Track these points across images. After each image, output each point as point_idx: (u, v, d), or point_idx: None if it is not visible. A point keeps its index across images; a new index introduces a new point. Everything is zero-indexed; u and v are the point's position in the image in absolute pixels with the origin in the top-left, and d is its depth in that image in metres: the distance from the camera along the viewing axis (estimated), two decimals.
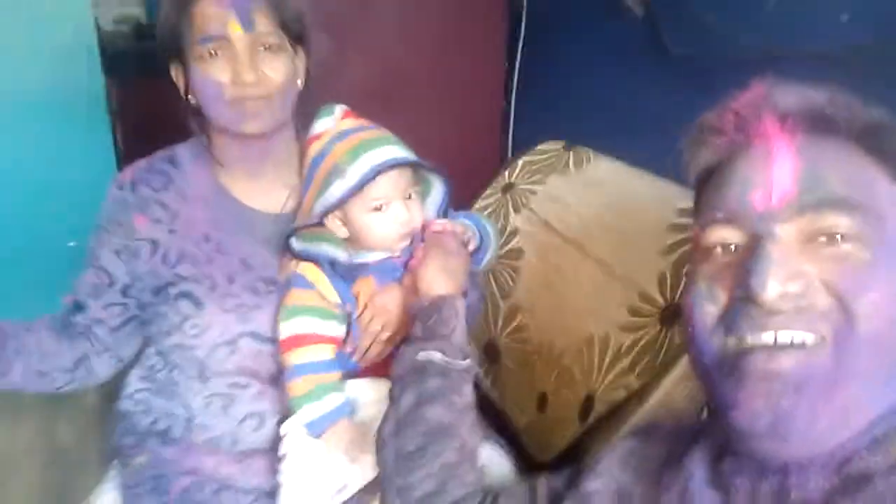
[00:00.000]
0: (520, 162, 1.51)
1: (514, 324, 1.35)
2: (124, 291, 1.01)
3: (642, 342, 1.04)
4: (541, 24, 1.58)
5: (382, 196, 0.91)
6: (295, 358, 0.92)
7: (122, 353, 1.07)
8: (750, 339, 0.52)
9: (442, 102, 1.59)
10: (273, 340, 0.98)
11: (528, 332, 1.32)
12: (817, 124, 0.54)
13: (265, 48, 0.92)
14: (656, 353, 1.00)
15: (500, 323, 1.38)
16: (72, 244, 2.16)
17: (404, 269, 0.96)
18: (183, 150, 1.05)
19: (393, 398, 0.80)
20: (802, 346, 0.50)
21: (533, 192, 1.42)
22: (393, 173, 0.91)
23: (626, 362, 1.05)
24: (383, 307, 0.95)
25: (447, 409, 0.76)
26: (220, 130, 0.98)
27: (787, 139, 0.54)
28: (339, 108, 0.95)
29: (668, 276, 1.05)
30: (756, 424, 0.51)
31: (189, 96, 0.96)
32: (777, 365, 0.51)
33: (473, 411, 0.81)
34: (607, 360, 1.09)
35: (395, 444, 0.76)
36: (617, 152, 1.38)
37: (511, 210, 1.43)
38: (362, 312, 0.96)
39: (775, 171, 0.53)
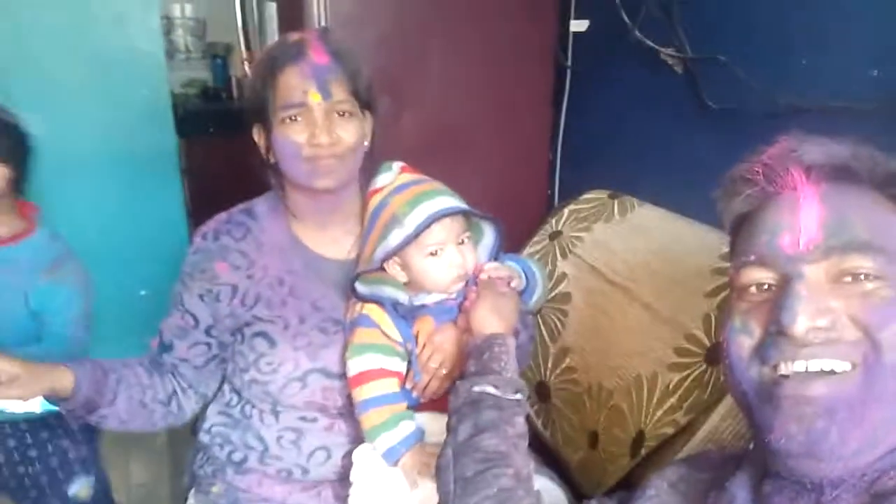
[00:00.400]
0: (566, 210, 1.59)
1: (564, 365, 1.40)
2: (207, 332, 1.11)
3: (689, 380, 1.08)
4: (584, 79, 1.67)
5: (436, 242, 0.99)
6: (367, 392, 1.00)
7: (204, 389, 1.16)
8: (783, 369, 0.57)
9: (491, 155, 1.68)
10: (340, 376, 1.06)
11: (578, 374, 1.37)
12: (841, 175, 0.60)
13: (339, 114, 1.02)
14: (703, 390, 1.04)
15: (549, 364, 1.43)
16: (143, 293, 2.31)
17: (459, 310, 1.04)
18: (260, 204, 1.16)
19: (450, 428, 0.86)
20: (832, 373, 0.56)
21: (580, 239, 1.49)
22: (446, 221, 1.00)
23: (673, 400, 1.09)
24: (441, 345, 1.02)
25: (501, 439, 0.81)
26: (295, 186, 1.08)
27: (812, 188, 0.59)
28: (397, 165, 1.05)
29: (713, 317, 1.10)
30: (791, 445, 0.56)
31: (269, 155, 1.07)
32: (809, 391, 0.56)
33: (526, 441, 0.86)
34: (656, 398, 1.14)
35: (455, 471, 0.82)
36: (659, 201, 1.44)
37: (559, 256, 1.50)
38: (422, 350, 1.03)
39: (802, 217, 0.59)
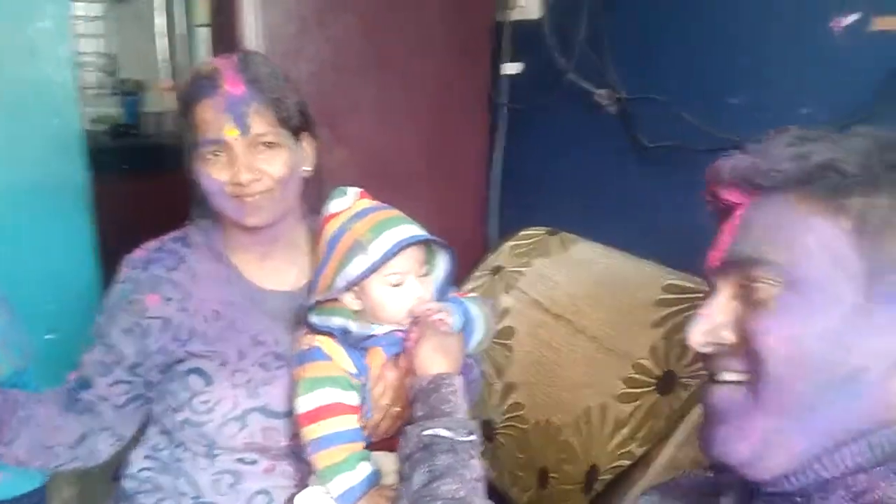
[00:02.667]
0: (506, 246, 1.59)
1: (509, 402, 1.38)
2: (132, 369, 1.02)
3: (641, 411, 1.08)
4: (521, 119, 1.70)
5: (401, 271, 0.95)
6: (324, 429, 0.92)
7: (122, 431, 1.05)
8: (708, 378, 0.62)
9: (428, 192, 1.67)
10: (283, 415, 1.00)
11: (524, 410, 1.35)
12: (749, 184, 0.60)
13: (265, 145, 0.96)
14: (657, 420, 1.04)
15: (494, 402, 1.41)
16: (49, 337, 2.12)
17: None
18: (195, 232, 1.09)
19: (403, 477, 0.81)
20: (730, 383, 0.58)
21: (521, 274, 1.49)
22: (410, 250, 0.96)
23: (626, 431, 1.09)
24: (393, 381, 0.97)
25: (460, 484, 0.77)
26: (230, 223, 1.02)
27: (739, 204, 0.61)
28: (354, 190, 1.00)
29: (661, 347, 1.11)
30: (706, 453, 0.60)
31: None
32: (709, 399, 0.60)
33: (483, 484, 0.82)
34: (607, 430, 1.13)
35: None
36: (596, 237, 1.47)
37: (501, 291, 1.49)
38: (374, 385, 0.98)
39: (721, 234, 0.62)
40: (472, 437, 0.82)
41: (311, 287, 1.01)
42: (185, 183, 1.03)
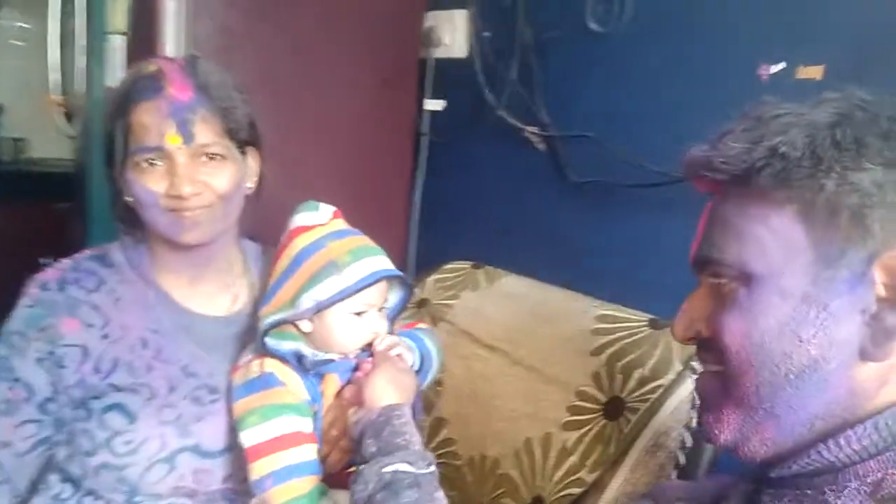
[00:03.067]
0: (429, 280, 1.57)
1: (440, 438, 1.34)
2: (42, 406, 0.88)
3: (589, 437, 1.08)
4: (444, 154, 1.71)
5: (369, 302, 0.90)
6: (284, 460, 0.84)
7: (21, 482, 0.90)
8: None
9: (351, 220, 1.63)
10: (217, 454, 0.91)
11: (456, 446, 1.31)
12: (707, 177, 0.60)
13: (209, 157, 0.89)
14: (606, 445, 1.05)
15: (423, 439, 1.35)
16: None
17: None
18: (115, 251, 0.98)
19: None
20: (709, 373, 0.61)
21: (449, 306, 1.47)
22: (382, 283, 0.92)
23: (574, 459, 1.08)
24: (346, 410, 0.91)
25: None
26: (161, 239, 0.93)
27: (713, 198, 0.62)
28: (327, 207, 0.94)
29: (603, 374, 1.13)
30: (704, 436, 0.63)
31: (127, 197, 0.91)
32: (697, 387, 0.64)
33: None
34: (552, 460, 1.12)
35: None
36: (522, 271, 1.49)
37: (429, 323, 1.46)
38: (325, 414, 0.91)
39: (698, 229, 0.63)
40: (433, 469, 0.78)
41: (261, 304, 0.93)
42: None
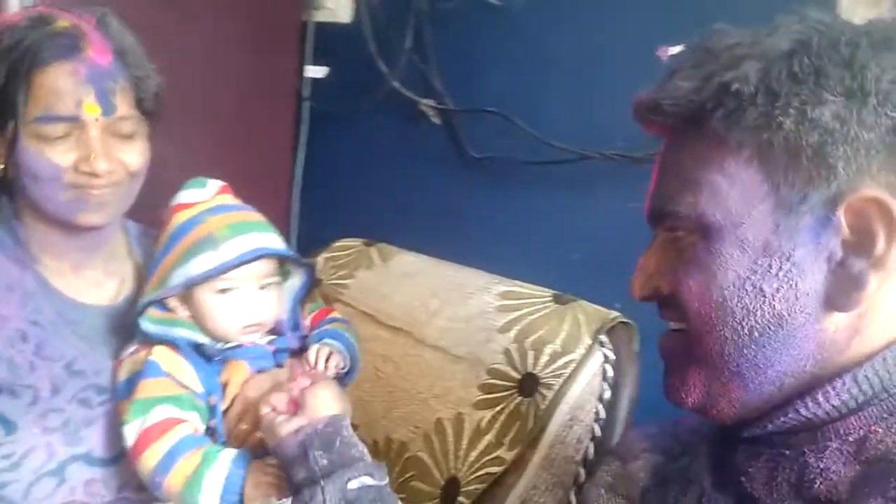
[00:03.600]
0: (320, 259, 1.48)
1: None
2: None
3: (504, 415, 1.08)
4: (330, 126, 1.62)
5: (235, 278, 0.83)
6: (164, 445, 0.77)
7: None
8: None
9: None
10: (109, 462, 0.82)
11: (359, 431, 1.24)
12: (656, 121, 0.57)
13: (121, 132, 0.81)
14: (524, 421, 1.05)
15: None
16: None
17: (275, 361, 0.88)
18: None
19: None
20: (672, 332, 0.58)
21: (344, 286, 1.40)
22: (261, 261, 0.85)
23: (490, 437, 1.07)
24: (255, 402, 0.84)
25: None
26: (45, 217, 0.81)
27: (664, 145, 0.59)
28: (215, 182, 0.88)
29: (513, 350, 1.13)
30: (667, 399, 0.59)
31: (5, 169, 0.78)
32: (660, 346, 0.60)
33: None
34: (465, 440, 1.11)
35: None
36: (417, 248, 1.46)
37: (323, 305, 1.39)
38: (230, 406, 0.84)
39: (652, 182, 0.59)
40: (387, 479, 0.75)
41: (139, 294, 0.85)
42: None
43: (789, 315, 0.51)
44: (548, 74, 1.28)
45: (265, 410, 0.78)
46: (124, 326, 0.88)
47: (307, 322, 0.98)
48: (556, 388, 1.04)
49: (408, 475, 1.17)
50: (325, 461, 0.71)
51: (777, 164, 0.50)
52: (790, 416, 0.52)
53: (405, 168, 1.51)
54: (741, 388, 0.54)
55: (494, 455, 1.06)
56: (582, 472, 0.99)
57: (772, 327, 0.51)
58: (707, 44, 0.54)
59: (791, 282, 0.50)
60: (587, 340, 1.08)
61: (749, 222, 0.51)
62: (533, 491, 1.00)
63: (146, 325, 0.82)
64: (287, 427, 0.74)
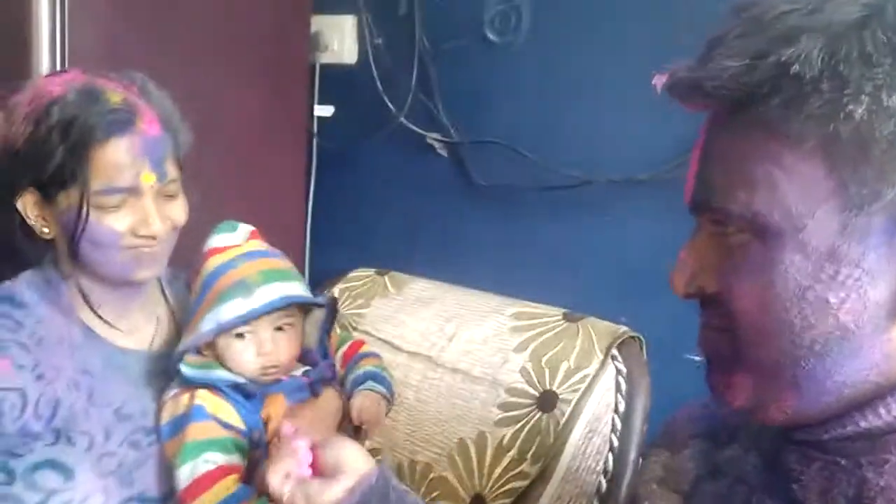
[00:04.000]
0: (336, 289, 1.54)
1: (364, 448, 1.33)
2: None
3: (525, 431, 1.13)
4: (339, 160, 1.68)
5: (252, 323, 0.87)
6: (209, 499, 0.80)
7: None
8: None
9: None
10: (159, 501, 0.85)
11: (382, 454, 1.31)
12: (697, 99, 0.49)
13: (170, 193, 0.87)
14: (545, 436, 1.10)
15: None
16: None
17: (311, 392, 0.92)
18: (23, 289, 0.88)
19: None
20: (714, 328, 0.52)
21: (361, 316, 1.45)
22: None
23: (514, 453, 1.12)
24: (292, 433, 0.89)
25: None
26: (92, 275, 0.86)
27: (704, 127, 0.51)
28: (245, 227, 0.92)
29: (531, 369, 1.18)
30: (713, 395, 0.54)
31: (45, 230, 0.84)
32: (701, 342, 0.53)
33: None
34: (489, 458, 1.15)
35: None
36: (428, 275, 1.51)
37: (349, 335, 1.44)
38: (271, 439, 0.89)
39: (692, 159, 0.52)
40: None
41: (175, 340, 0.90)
42: None
43: (856, 327, 0.45)
44: (549, 105, 1.35)
45: (276, 483, 0.68)
46: (164, 369, 0.91)
47: (339, 354, 1.03)
48: (574, 402, 1.10)
49: (434, 495, 1.22)
50: None
51: (845, 157, 0.43)
52: (848, 428, 0.48)
53: (414, 198, 1.57)
54: (795, 397, 0.48)
55: (518, 470, 1.11)
56: (603, 482, 1.04)
57: (835, 339, 0.46)
58: (753, 9, 0.45)
59: (860, 290, 0.44)
60: (600, 355, 1.14)
61: (812, 224, 0.44)
62: (558, 502, 1.05)
63: (186, 370, 0.85)
64: (331, 495, 0.66)
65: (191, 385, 0.87)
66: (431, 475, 1.23)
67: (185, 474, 0.81)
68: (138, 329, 0.93)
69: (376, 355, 1.06)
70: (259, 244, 0.92)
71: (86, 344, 0.87)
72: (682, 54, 1.21)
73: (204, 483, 0.81)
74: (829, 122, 0.43)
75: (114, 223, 0.81)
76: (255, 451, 0.87)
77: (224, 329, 0.85)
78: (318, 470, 0.69)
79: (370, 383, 0.97)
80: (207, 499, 0.80)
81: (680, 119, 1.17)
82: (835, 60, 0.42)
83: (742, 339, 0.49)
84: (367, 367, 1.01)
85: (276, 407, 0.89)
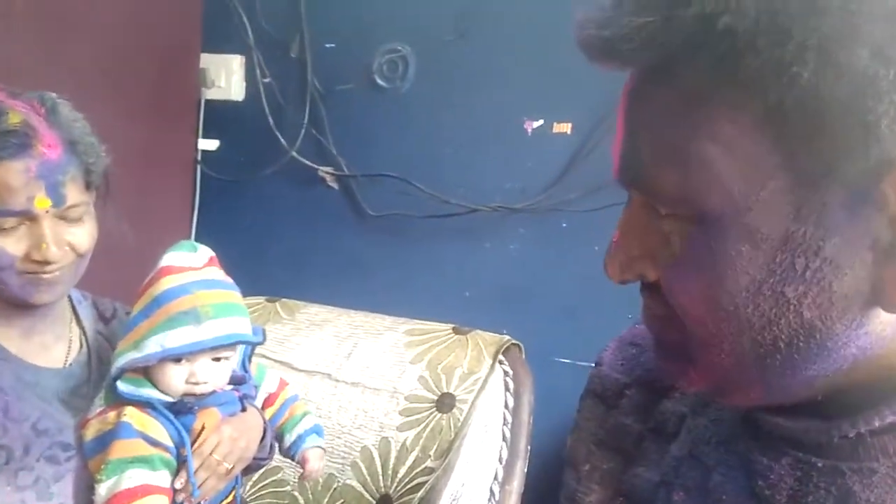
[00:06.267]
0: None
1: (263, 471, 1.36)
2: None
3: (427, 431, 1.24)
4: (225, 192, 1.72)
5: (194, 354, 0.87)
6: None
7: None
8: None
9: (134, 258, 1.57)
10: None
11: (282, 473, 1.35)
12: (614, 63, 0.39)
13: (71, 217, 0.84)
14: (445, 434, 1.22)
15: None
16: None
17: (241, 404, 0.95)
18: None
19: None
20: (659, 316, 0.44)
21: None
22: None
23: (417, 453, 1.23)
24: (230, 438, 0.92)
25: None
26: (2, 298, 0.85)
27: (625, 92, 0.42)
28: (205, 251, 0.92)
29: (428, 376, 1.30)
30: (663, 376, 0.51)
31: None
32: (646, 324, 0.47)
33: None
34: (392, 460, 1.25)
35: None
36: (320, 301, 1.59)
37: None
38: (201, 444, 0.89)
39: (618, 129, 0.43)
40: None
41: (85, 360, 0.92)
42: None
43: (823, 324, 0.38)
44: (434, 143, 1.51)
45: None
46: (78, 387, 0.91)
47: (262, 390, 1.06)
48: (470, 401, 1.23)
49: (339, 502, 1.28)
50: None
51: (792, 127, 0.35)
52: (833, 433, 0.41)
53: (305, 228, 1.65)
54: (761, 389, 0.42)
55: (423, 467, 1.21)
56: (500, 468, 1.18)
57: (801, 337, 0.38)
58: None
59: (822, 283, 0.37)
60: (489, 361, 1.29)
61: (759, 208, 0.37)
62: (461, 488, 1.17)
63: (123, 387, 0.84)
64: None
65: (119, 402, 0.86)
66: (335, 485, 1.29)
67: (105, 490, 0.81)
68: (47, 347, 0.91)
69: (298, 398, 1.09)
70: (216, 272, 0.92)
71: None
72: (542, 107, 1.44)
73: (123, 500, 0.81)
74: (770, 87, 0.35)
75: (7, 246, 0.80)
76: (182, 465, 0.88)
77: (169, 356, 0.85)
78: None
79: (315, 438, 1.02)
80: None
81: (552, 154, 1.40)
82: (772, 9, 0.34)
83: (693, 339, 0.42)
84: (305, 419, 1.05)
85: (210, 419, 0.90)
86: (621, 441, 0.56)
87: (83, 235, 0.85)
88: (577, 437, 0.60)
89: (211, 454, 0.90)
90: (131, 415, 0.85)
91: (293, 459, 1.05)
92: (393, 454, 1.25)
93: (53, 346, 0.93)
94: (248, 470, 0.99)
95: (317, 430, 1.05)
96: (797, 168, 0.36)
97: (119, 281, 1.08)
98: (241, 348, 1.00)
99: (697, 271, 0.39)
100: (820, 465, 0.41)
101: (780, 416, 0.43)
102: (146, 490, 0.82)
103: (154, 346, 0.85)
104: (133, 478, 0.82)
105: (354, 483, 1.27)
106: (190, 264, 0.90)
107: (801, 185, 0.36)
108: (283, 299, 1.59)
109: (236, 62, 1.70)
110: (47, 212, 0.80)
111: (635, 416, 0.56)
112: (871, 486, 0.39)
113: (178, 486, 0.87)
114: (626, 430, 0.56)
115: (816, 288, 0.37)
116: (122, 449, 0.83)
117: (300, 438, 1.03)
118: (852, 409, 0.40)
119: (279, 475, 1.35)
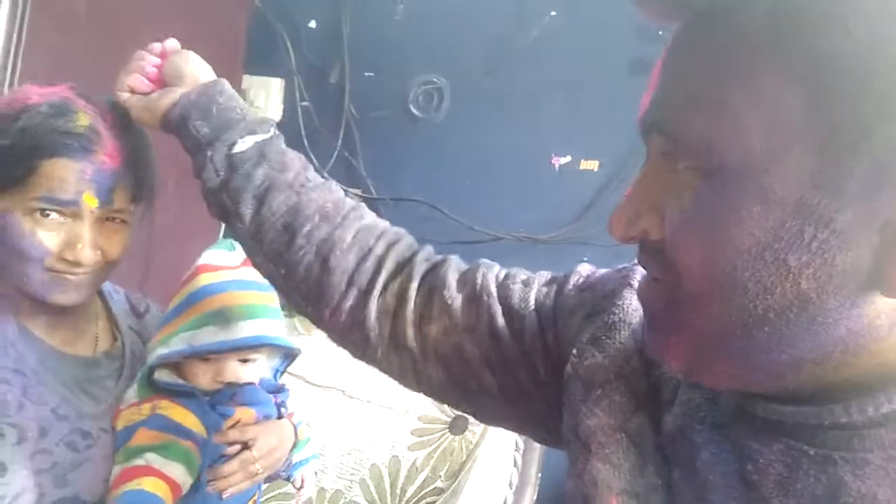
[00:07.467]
0: None
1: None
2: None
3: (438, 452, 1.24)
4: None
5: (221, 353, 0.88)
6: (119, 493, 0.80)
7: None
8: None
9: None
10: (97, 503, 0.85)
11: (288, 486, 1.34)
12: (664, 9, 0.41)
13: (109, 220, 0.84)
14: (458, 455, 1.22)
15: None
16: None
17: (278, 411, 0.96)
18: None
19: (232, 214, 0.70)
20: (655, 280, 0.44)
21: None
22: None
23: (427, 473, 1.23)
24: (266, 442, 0.92)
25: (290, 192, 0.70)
26: (21, 291, 0.84)
27: (668, 44, 0.41)
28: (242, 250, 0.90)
29: None
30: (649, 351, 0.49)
31: None
32: (640, 294, 0.46)
33: (309, 170, 0.74)
34: (402, 478, 1.25)
35: (264, 250, 0.70)
36: None
37: None
38: (244, 430, 0.90)
39: (653, 77, 0.42)
40: (273, 130, 0.75)
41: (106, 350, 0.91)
42: None
43: (818, 297, 0.37)
44: (464, 172, 1.55)
45: (122, 96, 0.78)
46: (102, 378, 0.91)
47: None
48: (483, 425, 1.24)
49: None
50: (206, 129, 0.71)
51: (829, 87, 0.34)
52: (824, 417, 0.40)
53: None
54: (743, 366, 0.41)
55: (432, 486, 1.21)
56: (510, 496, 1.17)
57: (793, 309, 0.38)
58: None
59: (826, 255, 0.36)
60: None
61: (778, 169, 0.36)
62: None
63: (161, 376, 0.85)
64: (165, 102, 0.74)
65: (153, 395, 0.87)
66: (342, 501, 1.29)
67: (117, 470, 0.82)
68: (75, 335, 0.91)
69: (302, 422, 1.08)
70: (251, 272, 0.90)
71: (22, 342, 0.85)
72: (570, 144, 1.49)
73: (126, 475, 0.81)
74: (820, 38, 0.34)
75: (45, 239, 0.79)
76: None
77: (196, 354, 0.86)
78: (162, 82, 0.77)
79: (313, 464, 1.05)
80: (120, 491, 0.80)
81: (578, 189, 1.44)
82: None
83: (683, 300, 0.41)
84: (308, 445, 1.05)
85: (246, 416, 0.90)
86: (637, 385, 0.53)
87: (118, 243, 0.85)
88: (601, 363, 0.55)
89: (249, 448, 0.90)
90: (165, 407, 0.86)
91: (288, 480, 1.04)
92: (403, 473, 1.25)
93: (82, 335, 0.92)
94: (268, 479, 0.99)
95: (315, 457, 1.06)
96: (828, 131, 0.35)
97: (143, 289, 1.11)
98: (274, 354, 1.00)
99: (704, 227, 0.39)
100: (811, 452, 0.40)
101: (774, 402, 0.42)
102: (149, 471, 0.82)
103: (182, 343, 0.86)
104: (144, 460, 0.82)
105: (361, 500, 1.27)
106: (226, 263, 0.91)
107: (827, 152, 0.35)
108: (300, 315, 1.60)
109: (276, 85, 1.76)
110: (92, 211, 0.80)
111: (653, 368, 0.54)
112: (862, 477, 0.38)
113: (206, 476, 0.87)
114: (641, 378, 0.53)
115: (819, 260, 0.36)
116: (144, 436, 0.84)
117: (300, 462, 1.03)
118: (846, 398, 0.39)
119: (284, 488, 1.34)
